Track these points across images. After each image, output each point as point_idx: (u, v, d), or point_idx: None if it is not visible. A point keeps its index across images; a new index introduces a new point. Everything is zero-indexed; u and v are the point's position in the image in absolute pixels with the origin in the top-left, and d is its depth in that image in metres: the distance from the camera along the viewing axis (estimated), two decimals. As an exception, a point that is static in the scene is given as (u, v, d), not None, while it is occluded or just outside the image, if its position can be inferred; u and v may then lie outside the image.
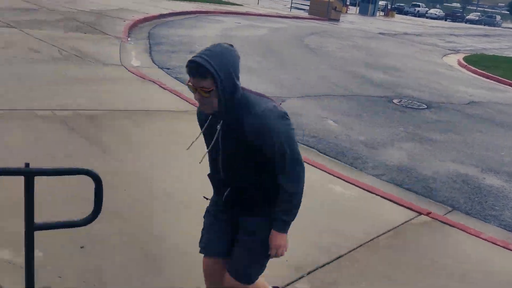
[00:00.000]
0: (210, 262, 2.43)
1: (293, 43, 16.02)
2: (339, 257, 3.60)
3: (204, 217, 2.46)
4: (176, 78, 8.59)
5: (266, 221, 2.28)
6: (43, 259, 2.88)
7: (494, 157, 6.71)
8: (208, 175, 2.37)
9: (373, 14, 41.01)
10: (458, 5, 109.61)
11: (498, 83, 13.87)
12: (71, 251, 3.16)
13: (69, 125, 5.34)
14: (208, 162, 2.33)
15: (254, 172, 2.21)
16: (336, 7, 29.69)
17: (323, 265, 3.46)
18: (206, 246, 2.42)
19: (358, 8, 42.96)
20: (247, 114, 2.08)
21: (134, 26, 13.74)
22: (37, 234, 2.02)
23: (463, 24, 55.25)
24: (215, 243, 2.39)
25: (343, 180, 5.08)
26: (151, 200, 3.98)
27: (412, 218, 4.42)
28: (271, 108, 2.10)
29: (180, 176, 4.49)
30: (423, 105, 9.34)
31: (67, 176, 2.14)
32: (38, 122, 5.29)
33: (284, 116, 2.11)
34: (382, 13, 45.28)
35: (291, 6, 33.08)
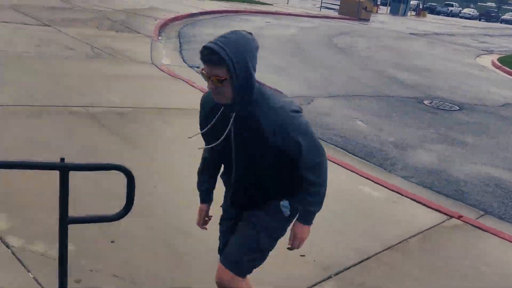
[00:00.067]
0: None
1: (322, 42, 15.92)
2: (367, 258, 3.56)
3: (219, 224, 2.46)
4: (205, 76, 8.64)
5: (267, 214, 2.24)
6: (75, 253, 2.94)
7: (528, 161, 6.54)
8: (221, 175, 2.35)
9: (404, 14, 40.39)
10: (493, 4, 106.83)
11: (534, 85, 13.48)
12: (102, 245, 3.22)
13: (100, 121, 5.45)
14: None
15: (270, 169, 2.14)
16: (366, 6, 29.36)
17: (351, 266, 3.44)
18: (220, 253, 2.40)
19: (389, 7, 42.39)
20: (264, 108, 2.00)
21: (165, 25, 13.90)
22: (70, 228, 2.07)
23: (498, 24, 53.87)
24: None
25: (372, 181, 5.03)
26: (179, 196, 4.02)
27: (443, 222, 4.34)
28: (288, 102, 2.06)
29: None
30: (455, 106, 9.16)
31: (99, 171, 2.19)
32: (71, 118, 5.41)
33: (300, 110, 2.08)
34: (413, 13, 44.55)
35: (321, 6, 32.88)
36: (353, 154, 5.97)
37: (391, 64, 13.32)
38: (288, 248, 2.37)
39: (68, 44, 9.11)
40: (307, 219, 2.25)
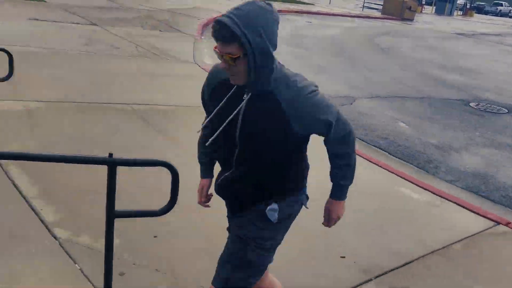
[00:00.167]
0: None
1: (364, 43, 15.71)
2: (409, 262, 3.49)
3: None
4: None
5: (253, 223, 2.03)
6: (119, 246, 3.01)
7: None
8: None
9: (450, 14, 39.32)
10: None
11: None
12: (145, 239, 3.29)
13: (144, 118, 5.56)
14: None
15: (274, 156, 1.94)
16: (410, 6, 28.76)
17: (392, 270, 3.37)
18: None
19: (434, 7, 41.36)
20: (284, 88, 1.82)
21: (207, 24, 14.04)
22: (115, 222, 2.12)
23: (549, 25, 51.67)
24: None
25: (414, 184, 4.92)
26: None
27: (489, 228, 4.20)
28: (306, 80, 1.90)
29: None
30: (503, 109, 8.85)
31: (144, 167, 2.23)
32: (117, 115, 5.55)
33: (317, 86, 1.92)
34: (460, 13, 43.32)
35: (363, 6, 32.45)
36: (395, 156, 5.86)
37: (435, 65, 13.00)
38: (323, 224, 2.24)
39: (114, 43, 9.35)
40: (341, 194, 2.13)
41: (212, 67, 2.06)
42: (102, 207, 2.08)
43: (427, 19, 31.68)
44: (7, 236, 3.09)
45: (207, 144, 2.00)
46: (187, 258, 3.18)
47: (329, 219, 2.20)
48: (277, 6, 22.44)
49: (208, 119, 2.05)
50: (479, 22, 34.99)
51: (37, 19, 10.49)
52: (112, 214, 2.10)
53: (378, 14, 29.35)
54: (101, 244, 2.79)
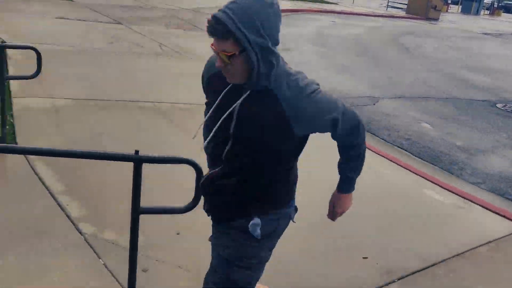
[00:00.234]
0: None
1: (388, 42, 15.55)
2: (433, 265, 3.44)
3: None
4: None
5: (235, 241, 1.93)
6: (143, 242, 3.05)
7: None
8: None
9: (477, 13, 38.61)
10: None
11: None
12: (168, 236, 3.32)
13: (167, 116, 5.61)
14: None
15: (270, 157, 1.81)
16: (436, 5, 28.32)
17: (415, 272, 3.33)
18: None
19: (460, 6, 40.68)
20: (285, 86, 1.69)
21: (230, 23, 14.08)
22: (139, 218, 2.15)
23: None
24: None
25: (439, 185, 4.85)
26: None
27: (516, 231, 4.13)
28: (307, 78, 1.78)
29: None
30: (531, 111, 8.67)
31: (168, 164, 2.26)
32: (140, 113, 5.61)
33: (318, 84, 1.81)
34: (487, 12, 42.50)
35: (387, 5, 32.09)
36: (418, 157, 5.79)
37: (461, 65, 12.79)
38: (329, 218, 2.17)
39: (138, 41, 9.45)
40: (349, 187, 2.05)
41: (205, 66, 1.97)
42: (126, 203, 2.11)
43: (452, 18, 31.18)
44: (34, 231, 3.16)
45: (203, 147, 1.92)
46: (210, 255, 3.19)
47: (335, 212, 2.12)
48: (300, 5, 22.38)
49: (206, 119, 1.93)
50: (507, 22, 34.28)
51: (64, 18, 10.67)
52: (137, 211, 2.13)
53: (402, 13, 29.00)
54: (125, 240, 2.83)
